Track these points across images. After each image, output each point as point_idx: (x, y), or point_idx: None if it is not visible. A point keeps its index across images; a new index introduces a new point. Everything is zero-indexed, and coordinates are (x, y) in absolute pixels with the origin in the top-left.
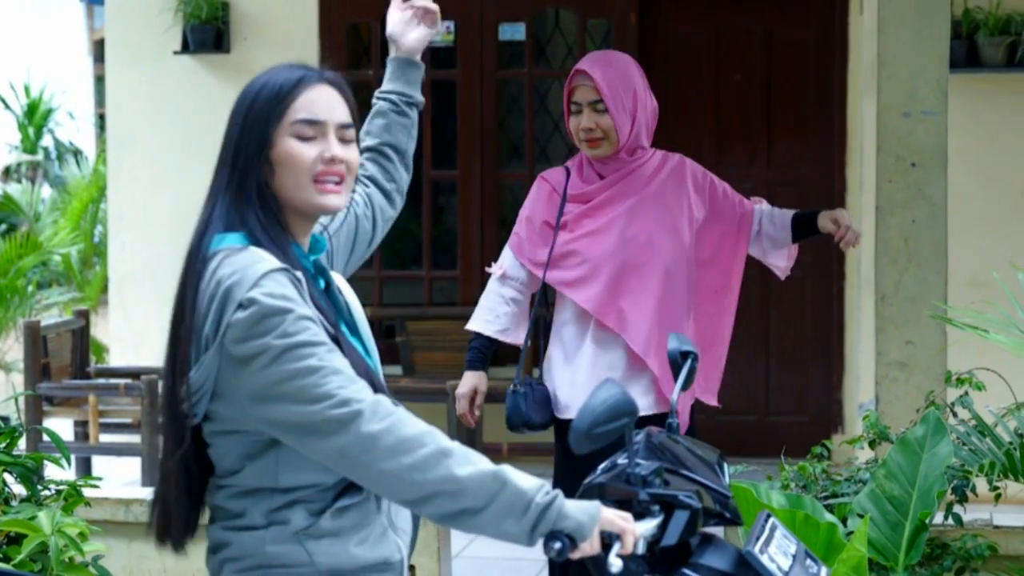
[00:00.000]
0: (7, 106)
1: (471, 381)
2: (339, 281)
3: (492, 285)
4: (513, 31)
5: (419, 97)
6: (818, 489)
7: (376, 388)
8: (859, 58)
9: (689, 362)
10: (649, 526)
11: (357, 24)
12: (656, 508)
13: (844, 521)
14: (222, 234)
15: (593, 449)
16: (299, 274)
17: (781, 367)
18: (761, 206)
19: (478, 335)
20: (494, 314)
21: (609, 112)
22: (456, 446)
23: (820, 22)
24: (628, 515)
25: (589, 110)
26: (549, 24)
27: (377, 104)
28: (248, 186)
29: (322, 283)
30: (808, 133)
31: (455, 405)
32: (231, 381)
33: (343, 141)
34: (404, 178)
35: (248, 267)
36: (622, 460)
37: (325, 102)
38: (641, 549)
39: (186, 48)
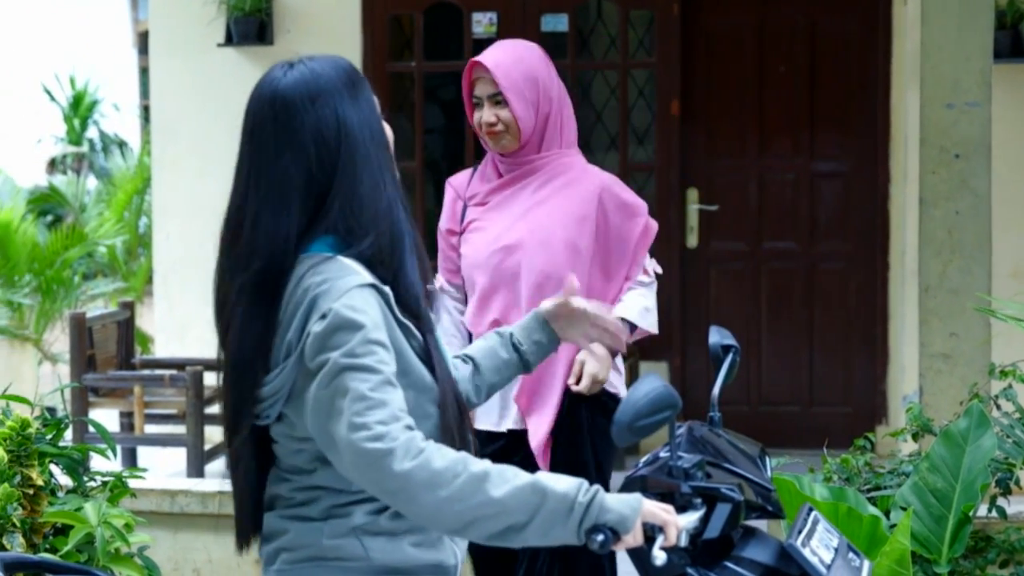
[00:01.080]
0: (52, 98)
1: None
2: None
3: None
4: (555, 22)
5: (528, 356)
6: (861, 482)
7: (459, 403)
8: (903, 49)
9: (731, 356)
10: (692, 519)
11: (399, 16)
12: (698, 501)
13: (887, 514)
14: (323, 238)
15: (635, 442)
16: (387, 289)
17: (824, 358)
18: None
19: None
20: (452, 334)
21: (508, 104)
22: (490, 467)
23: (864, 12)
24: (670, 507)
25: (489, 103)
26: (591, 15)
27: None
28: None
29: None
30: (851, 124)
31: None
32: (304, 389)
33: None
34: (477, 401)
35: (338, 278)
36: (664, 453)
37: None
38: (684, 542)
39: (230, 40)
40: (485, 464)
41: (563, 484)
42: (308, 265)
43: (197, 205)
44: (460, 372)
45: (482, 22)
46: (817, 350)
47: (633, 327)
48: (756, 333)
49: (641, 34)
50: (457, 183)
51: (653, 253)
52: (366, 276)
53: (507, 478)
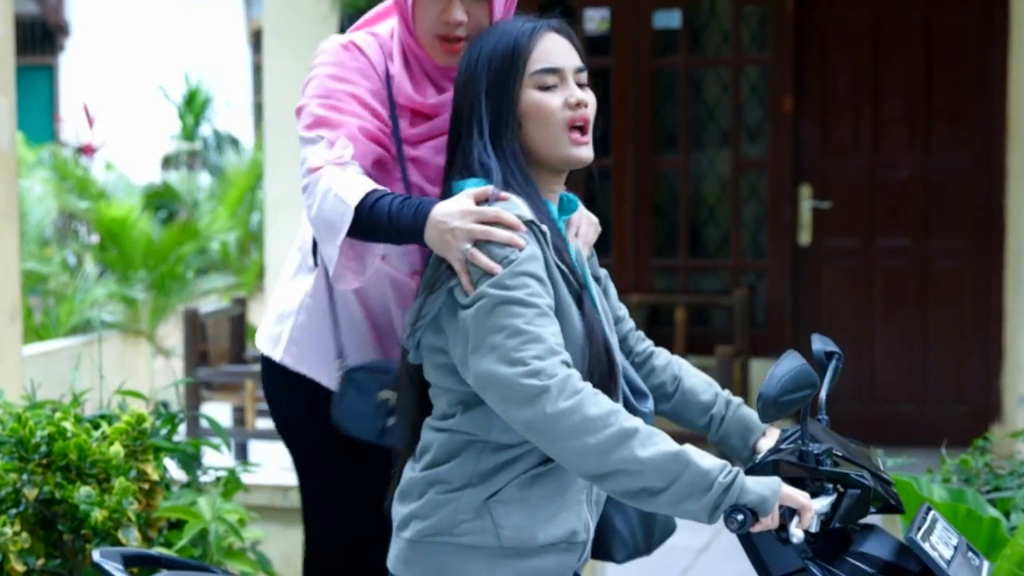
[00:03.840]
0: (167, 96)
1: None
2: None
3: (337, 171)
4: (668, 18)
5: (712, 437)
6: (980, 483)
7: (609, 358)
8: (1021, 43)
9: (834, 362)
10: (824, 503)
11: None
12: (830, 486)
13: (1007, 515)
14: (462, 180)
15: (778, 418)
16: (545, 228)
17: (939, 356)
18: None
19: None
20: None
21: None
22: (640, 425)
23: (981, 6)
24: (805, 493)
25: None
26: (704, 11)
27: (710, 394)
28: (500, 144)
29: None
30: (967, 120)
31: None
32: (451, 320)
33: (580, 86)
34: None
35: None
36: (787, 444)
37: (559, 49)
38: (815, 527)
39: None
40: (637, 421)
41: (707, 461)
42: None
43: None
44: (661, 367)
45: (594, 18)
46: (931, 348)
47: None
48: (869, 331)
49: (754, 30)
50: (372, 52)
51: (766, 251)
52: (526, 212)
53: (655, 441)
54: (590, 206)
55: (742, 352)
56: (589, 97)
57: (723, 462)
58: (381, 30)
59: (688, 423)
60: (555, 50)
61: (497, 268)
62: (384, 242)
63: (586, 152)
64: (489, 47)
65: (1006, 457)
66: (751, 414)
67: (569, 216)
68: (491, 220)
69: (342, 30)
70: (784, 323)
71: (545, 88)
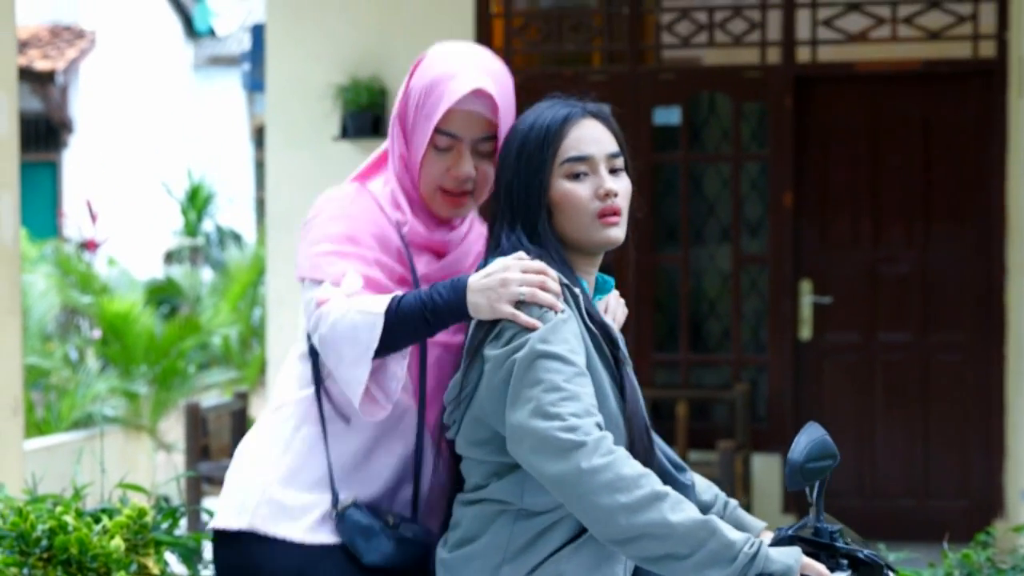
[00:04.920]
0: (170, 192)
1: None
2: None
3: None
4: (668, 115)
5: None
6: None
7: (646, 430)
8: (1018, 141)
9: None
10: None
11: None
12: (844, 563)
13: None
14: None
15: (804, 486)
16: (577, 290)
17: (940, 451)
18: None
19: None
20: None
21: (498, 153)
22: (671, 491)
23: (978, 104)
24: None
25: (470, 150)
26: (704, 108)
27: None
28: (533, 229)
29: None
30: (966, 216)
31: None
32: (490, 385)
33: (613, 172)
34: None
35: None
36: (796, 522)
37: (592, 136)
38: None
39: (345, 134)
40: (667, 487)
41: (733, 533)
42: None
43: None
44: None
45: None
46: (932, 443)
47: None
48: (871, 425)
49: (754, 126)
50: (387, 201)
51: (767, 346)
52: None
53: (684, 507)
54: None
55: (743, 447)
56: (621, 185)
57: (746, 534)
58: (374, 187)
59: None
60: (588, 137)
61: (538, 324)
62: (416, 339)
63: (616, 232)
64: (523, 133)
65: (1008, 552)
66: (747, 517)
67: (603, 296)
68: (535, 270)
69: (344, 127)
70: (785, 418)
71: (575, 176)
